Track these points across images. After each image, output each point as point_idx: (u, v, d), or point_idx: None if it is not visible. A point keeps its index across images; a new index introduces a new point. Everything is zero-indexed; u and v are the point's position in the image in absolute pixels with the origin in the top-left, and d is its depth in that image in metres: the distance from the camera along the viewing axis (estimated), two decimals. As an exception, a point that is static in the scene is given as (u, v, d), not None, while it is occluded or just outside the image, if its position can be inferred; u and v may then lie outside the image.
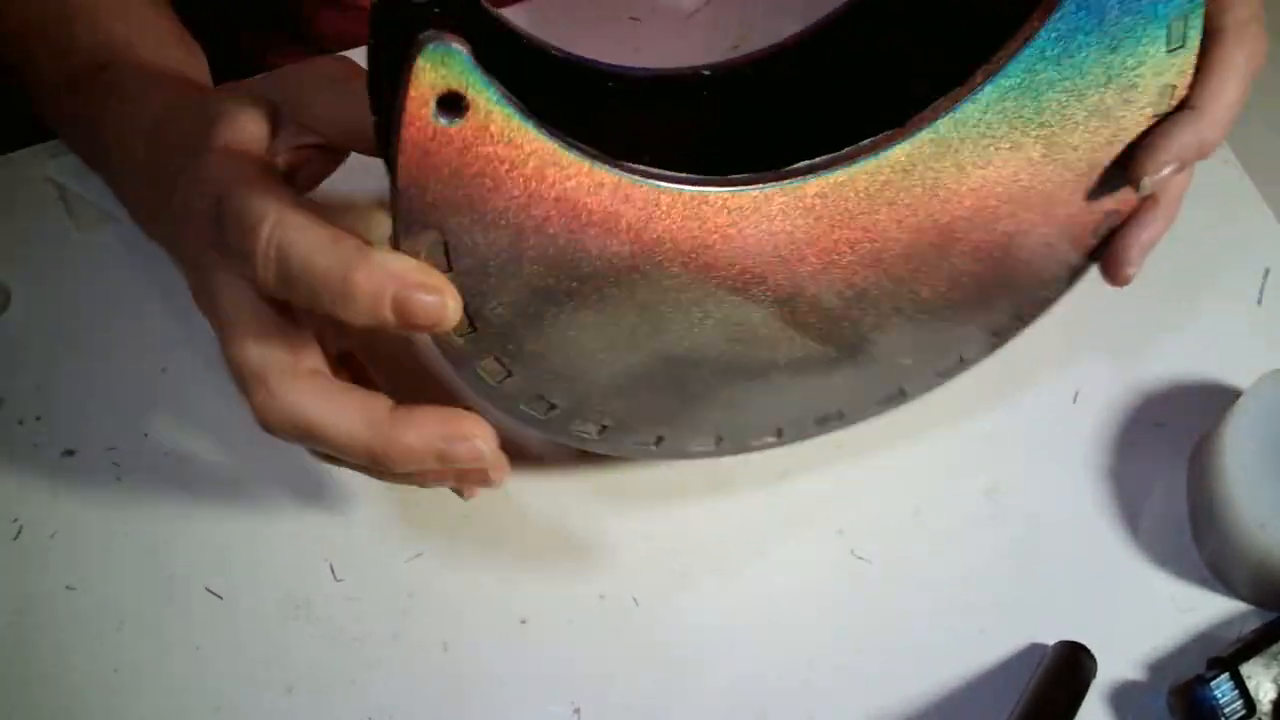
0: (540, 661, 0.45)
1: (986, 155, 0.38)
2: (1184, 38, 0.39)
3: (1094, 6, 0.37)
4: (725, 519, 0.48)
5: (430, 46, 0.29)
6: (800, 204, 0.37)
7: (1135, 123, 0.40)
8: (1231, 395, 0.47)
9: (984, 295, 0.43)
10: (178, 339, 0.50)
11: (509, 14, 0.48)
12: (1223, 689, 0.41)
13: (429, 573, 0.46)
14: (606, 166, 0.33)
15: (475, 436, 0.36)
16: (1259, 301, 0.53)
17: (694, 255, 0.36)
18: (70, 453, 0.48)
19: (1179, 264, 0.52)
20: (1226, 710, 0.41)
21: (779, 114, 0.45)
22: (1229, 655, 0.42)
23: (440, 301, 0.34)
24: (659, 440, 0.43)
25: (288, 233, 0.34)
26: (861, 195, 0.37)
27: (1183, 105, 0.41)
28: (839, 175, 0.37)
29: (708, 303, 0.38)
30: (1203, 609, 0.46)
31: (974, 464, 0.49)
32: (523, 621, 0.46)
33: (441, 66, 0.29)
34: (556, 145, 0.32)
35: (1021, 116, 0.38)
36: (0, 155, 0.55)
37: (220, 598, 0.46)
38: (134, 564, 0.46)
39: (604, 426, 0.42)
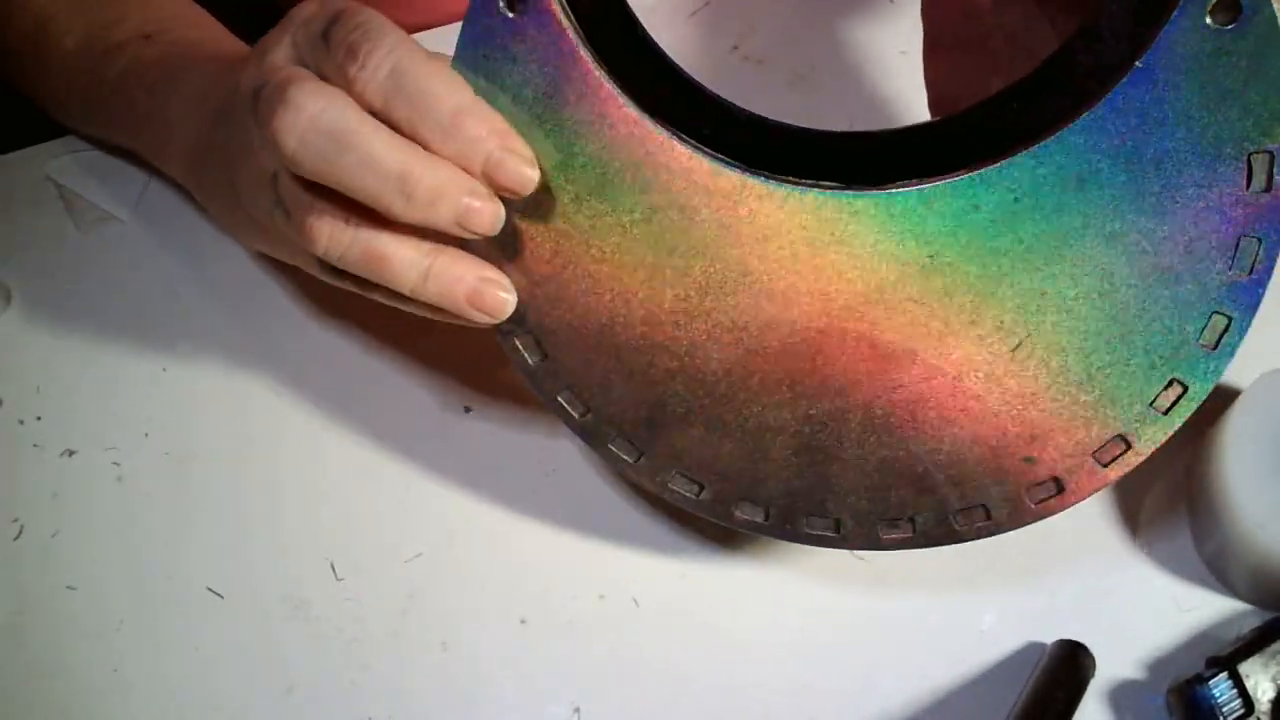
0: (540, 661, 0.45)
1: None
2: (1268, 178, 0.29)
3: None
4: (725, 519, 0.48)
5: None
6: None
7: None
8: (1231, 395, 0.47)
9: None
10: (178, 339, 0.50)
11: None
12: (1221, 688, 0.41)
13: (429, 573, 0.46)
14: (623, 97, 0.35)
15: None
16: (1258, 301, 0.52)
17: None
18: (70, 453, 0.48)
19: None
20: (1225, 709, 0.41)
21: None
22: (1228, 655, 0.42)
23: (532, 174, 0.36)
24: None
25: (411, 52, 0.35)
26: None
27: None
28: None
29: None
30: (1202, 609, 0.46)
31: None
32: (523, 621, 0.46)
33: None
34: (589, 55, 0.35)
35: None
36: (0, 155, 0.55)
37: (220, 597, 0.46)
38: (134, 564, 0.46)
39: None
